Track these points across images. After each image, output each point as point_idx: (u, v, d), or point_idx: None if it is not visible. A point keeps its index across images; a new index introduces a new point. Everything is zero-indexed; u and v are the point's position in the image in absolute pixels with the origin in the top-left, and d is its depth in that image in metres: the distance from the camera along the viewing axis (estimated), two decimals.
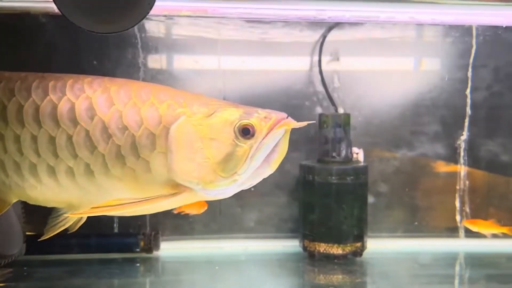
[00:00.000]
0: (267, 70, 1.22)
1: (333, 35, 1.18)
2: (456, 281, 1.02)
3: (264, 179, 0.64)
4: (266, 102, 1.17)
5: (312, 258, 1.09)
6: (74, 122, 0.59)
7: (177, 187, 0.59)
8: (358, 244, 1.09)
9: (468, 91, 1.20)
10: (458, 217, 1.22)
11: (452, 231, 1.22)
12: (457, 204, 1.22)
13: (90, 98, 0.59)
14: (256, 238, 1.18)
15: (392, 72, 1.24)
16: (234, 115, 0.59)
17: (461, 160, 1.22)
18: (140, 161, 0.58)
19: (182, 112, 0.59)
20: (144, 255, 1.10)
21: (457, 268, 1.11)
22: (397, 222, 1.22)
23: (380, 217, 1.21)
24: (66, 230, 0.81)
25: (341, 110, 1.18)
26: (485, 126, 1.21)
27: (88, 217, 1.16)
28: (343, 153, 1.11)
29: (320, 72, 1.19)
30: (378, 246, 1.16)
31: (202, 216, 1.15)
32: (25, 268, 1.01)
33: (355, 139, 1.14)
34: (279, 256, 1.13)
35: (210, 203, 1.10)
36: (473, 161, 1.22)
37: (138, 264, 1.07)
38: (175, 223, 1.18)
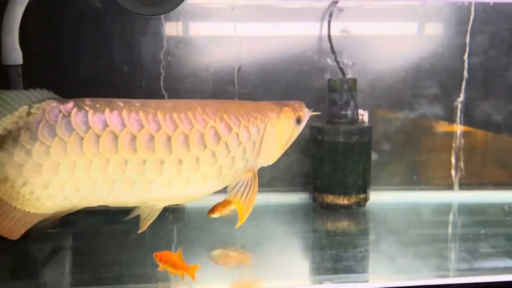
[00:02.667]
0: (280, 36, 1.31)
1: (341, 2, 1.26)
2: (448, 226, 1.16)
3: None
4: (279, 68, 1.29)
5: (320, 208, 1.23)
6: (203, 146, 0.71)
7: (252, 169, 0.78)
8: (362, 196, 1.22)
9: (465, 56, 1.30)
10: (453, 172, 1.35)
11: (447, 184, 1.35)
12: (453, 160, 1.35)
13: (215, 128, 0.72)
14: (271, 191, 1.31)
15: (396, 39, 1.33)
16: (291, 113, 0.81)
17: (458, 120, 1.33)
18: (244, 161, 0.76)
19: (266, 121, 0.79)
20: (172, 207, 1.24)
21: (450, 216, 1.24)
22: (398, 176, 1.35)
23: (383, 172, 1.33)
24: None
25: (348, 75, 1.29)
26: (481, 89, 1.32)
27: None
28: (350, 114, 1.23)
29: (329, 39, 1.28)
30: (380, 198, 1.29)
31: None
32: (70, 217, 1.15)
33: (361, 102, 1.25)
34: (292, 207, 1.27)
35: None
36: (469, 121, 1.33)
37: (167, 214, 1.21)
38: None
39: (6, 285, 0.84)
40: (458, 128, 1.33)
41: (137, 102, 0.70)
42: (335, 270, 0.86)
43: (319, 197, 1.23)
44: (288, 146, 0.83)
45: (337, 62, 1.28)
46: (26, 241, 1.00)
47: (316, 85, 1.29)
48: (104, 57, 1.24)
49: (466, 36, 1.29)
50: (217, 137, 0.71)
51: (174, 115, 0.69)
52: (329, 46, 1.27)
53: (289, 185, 1.32)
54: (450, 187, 1.35)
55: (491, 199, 1.31)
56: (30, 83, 1.12)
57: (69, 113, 0.66)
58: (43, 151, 0.65)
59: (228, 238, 1.04)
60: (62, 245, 1.03)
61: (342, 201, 1.20)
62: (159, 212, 0.74)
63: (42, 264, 0.94)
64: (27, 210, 0.69)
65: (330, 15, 1.27)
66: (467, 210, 1.27)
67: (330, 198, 1.21)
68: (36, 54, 1.16)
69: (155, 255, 0.83)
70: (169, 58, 1.25)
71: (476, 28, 1.28)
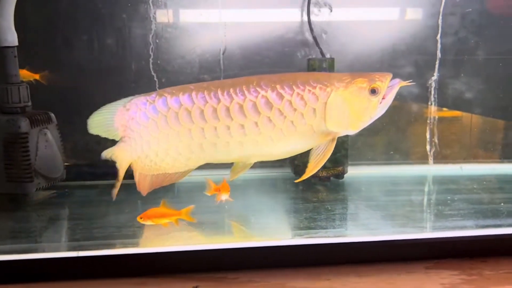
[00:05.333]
0: (263, 22, 1.39)
1: None
2: (418, 194, 1.24)
3: None
4: (262, 49, 1.37)
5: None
6: (258, 113, 0.86)
7: (328, 135, 0.88)
8: (340, 169, 1.30)
9: (438, 36, 1.37)
10: (428, 147, 1.43)
11: (422, 158, 1.43)
12: (427, 135, 1.43)
13: (266, 97, 0.85)
14: (256, 167, 1.39)
15: (372, 22, 1.41)
16: (364, 83, 0.86)
17: (432, 98, 1.41)
18: (306, 125, 0.86)
19: (330, 90, 0.85)
20: None
21: (422, 186, 1.33)
22: (376, 151, 1.43)
23: (361, 147, 1.41)
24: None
25: (327, 55, 1.36)
26: (453, 68, 1.39)
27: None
28: None
29: (309, 22, 1.36)
30: (358, 172, 1.37)
31: None
32: (66, 190, 1.24)
33: None
34: (274, 181, 1.35)
35: None
36: (442, 98, 1.41)
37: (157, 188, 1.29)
38: None
39: (11, 243, 0.92)
40: (432, 105, 1.41)
41: (204, 84, 0.89)
42: (307, 228, 0.94)
43: (300, 171, 1.31)
44: (373, 116, 0.87)
45: (317, 43, 1.36)
46: (28, 210, 1.10)
47: (298, 65, 1.37)
48: (95, 40, 1.32)
49: (438, 17, 1.36)
50: (269, 104, 0.85)
51: (231, 90, 0.86)
52: (309, 28, 1.35)
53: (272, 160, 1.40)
54: (425, 161, 1.43)
55: (464, 171, 1.40)
56: (25, 64, 1.23)
57: (154, 101, 0.88)
58: (144, 130, 0.89)
59: (216, 207, 1.13)
60: (59, 213, 1.12)
61: (321, 173, 1.28)
62: (250, 166, 0.93)
63: (42, 227, 1.03)
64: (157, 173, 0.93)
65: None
66: (440, 181, 1.35)
67: None
68: (30, 37, 1.23)
69: (140, 218, 0.91)
70: (157, 41, 1.32)
71: (448, 9, 1.36)
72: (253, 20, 1.38)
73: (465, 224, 0.97)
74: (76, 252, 0.83)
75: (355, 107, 0.85)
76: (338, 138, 1.27)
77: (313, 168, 0.90)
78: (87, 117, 1.35)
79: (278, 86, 0.85)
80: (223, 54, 1.35)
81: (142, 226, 1.01)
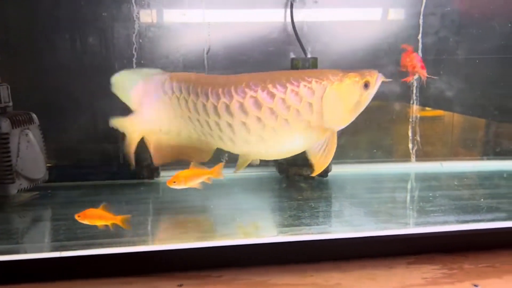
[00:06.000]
0: (247, 22, 1.39)
1: None
2: (401, 191, 1.26)
3: None
4: (246, 49, 1.37)
5: (285, 179, 1.32)
6: (245, 113, 0.87)
7: (325, 131, 0.87)
8: None
9: (419, 36, 1.39)
10: (410, 145, 1.45)
11: (405, 156, 1.45)
12: (410, 133, 1.45)
13: (255, 97, 0.86)
14: None
15: (355, 22, 1.42)
16: (357, 77, 0.87)
17: (413, 97, 1.43)
18: (302, 121, 0.86)
19: (325, 83, 0.85)
20: (146, 181, 1.32)
21: (404, 183, 1.34)
22: (359, 150, 1.44)
23: (345, 146, 1.43)
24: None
25: (309, 55, 1.37)
26: (434, 66, 1.41)
27: (98, 151, 1.37)
28: None
29: (292, 22, 1.37)
30: (342, 170, 1.38)
31: None
32: (49, 191, 1.22)
33: None
34: (260, 180, 1.36)
35: None
36: (423, 97, 1.43)
37: (142, 188, 1.29)
38: None
39: None
40: (414, 103, 1.43)
41: (210, 77, 0.93)
42: (291, 226, 0.95)
43: (284, 170, 1.32)
44: (360, 111, 0.88)
45: (300, 43, 1.37)
46: (9, 212, 1.09)
47: (282, 65, 1.38)
48: (78, 40, 1.31)
49: (419, 17, 1.39)
50: (258, 104, 0.85)
51: (220, 90, 0.87)
52: (293, 29, 1.36)
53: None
54: (407, 159, 1.45)
55: (445, 169, 1.42)
56: (6, 65, 1.21)
57: (171, 79, 0.92)
58: (158, 105, 0.92)
59: (200, 205, 1.13)
60: (42, 214, 1.11)
61: (306, 172, 1.29)
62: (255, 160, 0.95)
63: (24, 228, 1.02)
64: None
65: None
66: (422, 178, 1.37)
67: (293, 170, 1.30)
68: (12, 37, 1.22)
69: (78, 216, 0.90)
70: (140, 40, 1.32)
71: (428, 10, 1.38)
72: (237, 20, 1.39)
73: (446, 219, 0.99)
74: (59, 252, 0.82)
75: (349, 101, 0.86)
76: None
77: (321, 166, 0.90)
78: (70, 117, 1.36)
79: (269, 85, 0.85)
80: (207, 53, 1.35)
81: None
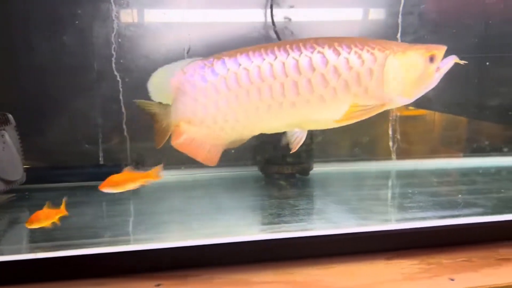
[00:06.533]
0: (227, 22, 1.39)
1: None
2: (381, 188, 1.27)
3: None
4: (226, 49, 1.37)
5: (267, 177, 1.32)
6: (312, 69, 0.81)
7: (385, 102, 0.82)
8: (305, 165, 1.31)
9: (398, 35, 1.41)
10: (391, 143, 1.46)
11: (386, 154, 1.46)
12: (390, 132, 1.46)
13: (322, 53, 0.81)
14: (224, 166, 1.40)
15: (335, 22, 1.43)
16: (422, 49, 0.82)
17: None
18: (362, 87, 0.81)
19: (388, 52, 0.82)
20: None
21: (385, 180, 1.36)
22: (341, 148, 1.45)
23: (328, 145, 1.43)
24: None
25: None
26: None
27: (77, 152, 1.35)
28: None
29: (273, 22, 1.37)
30: (325, 168, 1.39)
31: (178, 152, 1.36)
32: (26, 193, 1.20)
33: None
34: (243, 179, 1.36)
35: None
36: None
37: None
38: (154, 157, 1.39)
39: None
40: None
41: (261, 45, 0.84)
42: (271, 224, 0.95)
43: (265, 169, 1.32)
44: (427, 86, 0.83)
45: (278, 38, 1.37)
46: None
47: None
48: (57, 40, 1.29)
49: (398, 17, 1.40)
50: (325, 61, 0.80)
51: (287, 46, 0.82)
52: (273, 27, 1.36)
53: (239, 159, 1.40)
54: (388, 157, 1.46)
55: (425, 166, 1.44)
56: None
57: (212, 64, 0.84)
58: (200, 93, 0.84)
59: (180, 205, 1.12)
60: (18, 216, 1.09)
61: (287, 170, 1.29)
62: (305, 134, 0.87)
63: (1, 230, 1.00)
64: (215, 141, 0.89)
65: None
66: (402, 175, 1.38)
67: (275, 169, 1.30)
68: None
69: (27, 224, 0.89)
70: (119, 40, 1.31)
71: (407, 9, 1.40)
72: (217, 20, 1.38)
73: (424, 215, 1.00)
74: (33, 254, 0.81)
75: (412, 72, 0.83)
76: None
77: (348, 119, 0.85)
78: (47, 118, 1.34)
79: (336, 44, 0.82)
80: (187, 53, 1.35)
81: (104, 227, 0.99)
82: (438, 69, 0.82)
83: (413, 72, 0.83)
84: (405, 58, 0.83)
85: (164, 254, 0.83)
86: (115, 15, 1.30)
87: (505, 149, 1.48)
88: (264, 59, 0.82)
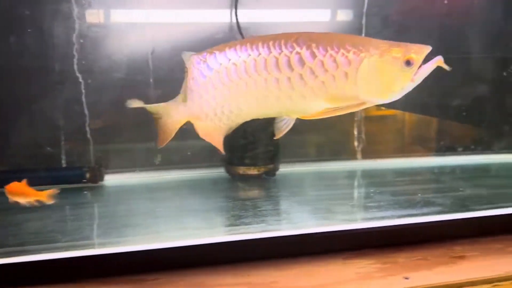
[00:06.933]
0: (192, 22, 1.38)
1: None
2: (345, 188, 1.29)
3: None
4: (192, 50, 1.36)
5: (233, 179, 1.32)
6: (291, 69, 0.83)
7: (363, 102, 0.84)
8: (271, 166, 1.32)
9: (363, 35, 1.43)
10: (356, 143, 1.48)
11: (351, 154, 1.48)
12: (355, 132, 1.48)
13: (300, 54, 0.83)
14: (189, 168, 1.39)
15: (301, 23, 1.44)
16: (398, 53, 0.82)
17: None
18: (337, 88, 0.83)
19: (363, 55, 0.82)
20: (90, 185, 1.29)
21: (349, 180, 1.38)
22: (306, 149, 1.46)
23: (292, 146, 1.44)
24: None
25: None
26: None
27: (39, 155, 1.33)
28: None
29: (237, 22, 1.37)
30: (290, 169, 1.40)
31: (143, 152, 1.35)
32: None
33: None
34: (208, 180, 1.35)
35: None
36: None
37: (85, 192, 1.25)
38: (117, 159, 1.37)
39: None
40: None
41: (247, 39, 0.88)
42: (231, 226, 0.95)
43: (231, 170, 1.32)
44: (405, 87, 0.84)
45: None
46: None
47: None
48: (16, 41, 1.26)
49: (362, 18, 1.42)
50: (302, 62, 0.82)
51: (271, 42, 0.84)
52: (237, 29, 1.36)
53: (205, 161, 1.40)
54: (353, 156, 1.48)
55: (391, 165, 1.46)
56: None
57: (205, 59, 0.87)
58: (203, 89, 0.87)
59: (145, 208, 1.11)
60: None
61: (253, 171, 1.30)
62: (293, 121, 0.90)
63: None
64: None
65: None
66: (367, 175, 1.40)
67: (241, 170, 1.30)
68: None
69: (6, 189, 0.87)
70: (81, 40, 1.29)
71: (371, 10, 1.42)
72: (182, 21, 1.38)
73: (383, 215, 1.01)
74: None
75: (386, 76, 0.83)
76: (267, 137, 1.30)
77: (328, 114, 0.87)
78: (9, 120, 1.31)
79: (313, 45, 0.83)
80: (151, 54, 1.34)
81: (62, 232, 0.97)
82: (416, 72, 0.83)
83: (388, 76, 0.84)
84: (380, 62, 0.83)
85: (121, 258, 0.82)
86: (77, 15, 1.28)
87: (460, 149, 1.52)
88: (249, 55, 0.85)
